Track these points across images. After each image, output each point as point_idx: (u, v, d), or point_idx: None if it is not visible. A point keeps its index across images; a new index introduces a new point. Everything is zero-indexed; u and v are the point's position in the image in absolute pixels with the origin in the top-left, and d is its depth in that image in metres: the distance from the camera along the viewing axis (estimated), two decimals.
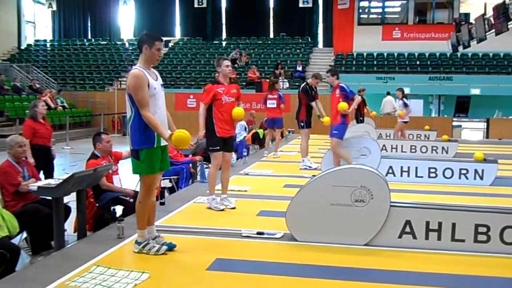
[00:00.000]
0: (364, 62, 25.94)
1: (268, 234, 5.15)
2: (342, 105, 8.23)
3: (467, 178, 8.36)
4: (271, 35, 29.87)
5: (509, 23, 13.67)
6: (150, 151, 4.39)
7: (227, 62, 6.34)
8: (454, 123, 20.37)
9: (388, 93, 20.00)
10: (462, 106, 23.01)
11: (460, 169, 8.38)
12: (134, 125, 4.39)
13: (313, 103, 9.65)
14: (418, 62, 25.48)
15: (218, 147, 6.31)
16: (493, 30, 14.90)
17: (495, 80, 22.42)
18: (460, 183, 8.33)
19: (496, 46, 23.27)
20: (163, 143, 4.45)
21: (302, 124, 9.82)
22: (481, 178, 8.31)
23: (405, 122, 13.59)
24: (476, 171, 8.34)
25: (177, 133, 4.27)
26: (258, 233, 5.18)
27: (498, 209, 5.08)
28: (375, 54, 26.28)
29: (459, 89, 22.57)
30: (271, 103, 11.20)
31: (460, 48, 19.75)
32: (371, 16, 28.64)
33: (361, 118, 13.14)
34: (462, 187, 8.13)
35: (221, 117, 6.26)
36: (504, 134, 17.70)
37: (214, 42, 28.93)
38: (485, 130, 20.12)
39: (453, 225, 4.80)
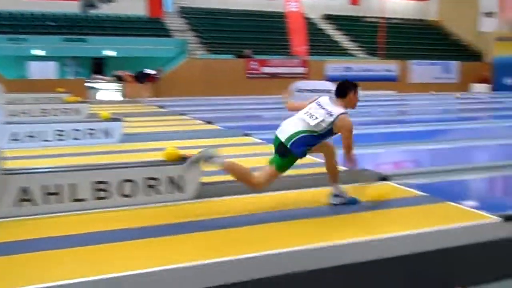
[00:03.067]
0: None
1: None
2: None
3: (95, 137, 8.50)
4: None
5: None
6: (295, 160, 4.93)
7: None
8: (90, 85, 20.57)
9: None
10: (98, 68, 23.38)
11: (88, 129, 8.46)
12: (308, 139, 4.82)
13: None
14: (52, 23, 24.57)
15: None
16: None
17: (128, 42, 23.38)
18: (89, 143, 8.40)
19: (128, 9, 24.27)
20: None
21: None
22: (109, 136, 8.56)
23: None
24: (103, 130, 8.54)
25: None
26: None
27: (115, 164, 5.27)
28: (5, 14, 24.21)
29: (94, 51, 22.79)
30: None
31: (91, 10, 19.83)
32: None
33: None
34: (92, 147, 8.20)
35: None
36: (136, 94, 18.62)
37: None
38: (121, 90, 20.92)
39: (73, 185, 4.77)
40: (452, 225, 4.33)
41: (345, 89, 4.93)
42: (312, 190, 5.57)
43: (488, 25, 27.51)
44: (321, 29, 30.60)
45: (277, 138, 4.98)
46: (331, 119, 4.75)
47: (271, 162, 4.99)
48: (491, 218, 4.56)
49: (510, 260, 4.04)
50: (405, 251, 3.73)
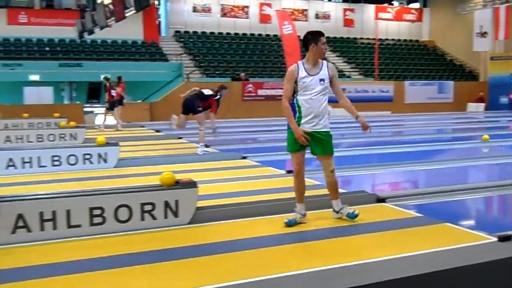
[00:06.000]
0: None
1: None
2: None
3: (91, 162, 8.50)
4: None
5: (126, 10, 14.38)
6: (290, 132, 5.04)
7: None
8: (86, 109, 20.59)
9: None
10: (95, 92, 23.41)
11: (84, 154, 8.47)
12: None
13: None
14: (47, 48, 24.77)
15: None
16: (114, 18, 15.48)
17: (124, 66, 23.47)
18: (85, 168, 8.42)
19: (124, 34, 24.45)
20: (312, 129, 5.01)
21: None
22: (105, 161, 8.56)
23: None
24: (99, 155, 8.54)
25: None
26: None
27: (111, 190, 5.25)
28: (0, 39, 24.41)
29: (90, 76, 22.88)
30: None
31: (86, 35, 19.93)
32: None
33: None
34: (87, 172, 8.22)
35: None
36: (133, 117, 18.69)
37: None
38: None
39: (68, 212, 4.75)
40: (448, 247, 4.31)
41: (305, 43, 5.05)
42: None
43: (482, 45, 27.75)
44: None
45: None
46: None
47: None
48: (488, 238, 4.55)
49: (505, 281, 4.02)
50: (400, 274, 3.71)
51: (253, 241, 4.67)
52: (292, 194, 5.31)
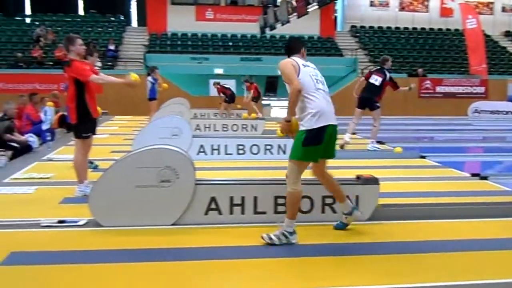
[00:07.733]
0: (179, 42, 25.97)
1: (70, 222, 4.90)
2: None
3: (271, 153, 8.92)
4: (81, 12, 28.44)
5: (308, 6, 14.64)
6: None
7: (81, 41, 5.98)
8: (264, 102, 21.46)
9: None
10: (272, 86, 24.24)
11: (266, 145, 8.92)
12: None
13: None
14: (231, 43, 26.24)
15: (91, 133, 6.08)
16: (296, 13, 15.87)
17: None
18: (265, 158, 8.84)
19: (301, 29, 24.95)
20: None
21: None
22: (284, 152, 8.88)
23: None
24: (279, 146, 8.92)
25: None
26: (60, 222, 4.90)
27: None
28: (189, 34, 26.45)
29: (269, 70, 23.75)
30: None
31: (268, 30, 20.69)
32: None
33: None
34: (267, 161, 8.59)
35: (93, 97, 5.99)
36: None
37: (16, 18, 26.60)
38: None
39: (255, 198, 5.03)
40: None
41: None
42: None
43: None
44: (502, 47, 28.55)
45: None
46: None
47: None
48: None
49: None
50: None
51: (434, 244, 4.52)
52: (480, 199, 5.04)
